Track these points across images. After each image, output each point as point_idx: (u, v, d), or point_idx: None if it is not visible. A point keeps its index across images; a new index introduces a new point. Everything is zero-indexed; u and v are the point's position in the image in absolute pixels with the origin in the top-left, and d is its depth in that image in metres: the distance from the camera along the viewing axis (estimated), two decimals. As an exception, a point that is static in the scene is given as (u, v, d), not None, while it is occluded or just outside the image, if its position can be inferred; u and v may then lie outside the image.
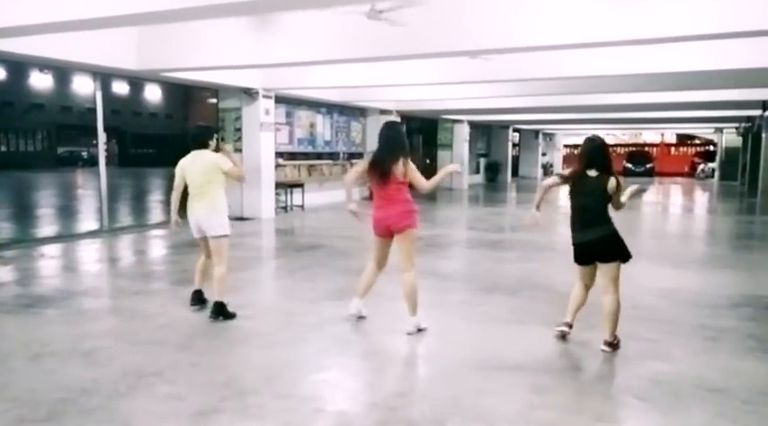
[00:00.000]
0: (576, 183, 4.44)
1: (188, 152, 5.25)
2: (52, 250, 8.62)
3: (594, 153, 4.42)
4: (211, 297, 5.22)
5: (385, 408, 3.46)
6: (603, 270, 4.41)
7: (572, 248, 4.54)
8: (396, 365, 4.35)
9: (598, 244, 4.38)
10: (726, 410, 3.46)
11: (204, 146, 5.22)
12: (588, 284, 4.57)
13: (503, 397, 3.62)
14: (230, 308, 5.16)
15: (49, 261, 7.99)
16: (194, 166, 5.14)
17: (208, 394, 3.61)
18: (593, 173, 4.38)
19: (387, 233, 4.83)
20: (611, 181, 4.32)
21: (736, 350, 4.48)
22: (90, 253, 8.60)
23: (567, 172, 4.56)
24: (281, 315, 5.33)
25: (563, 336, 4.60)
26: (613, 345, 4.41)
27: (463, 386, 3.78)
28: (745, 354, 4.40)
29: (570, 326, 4.61)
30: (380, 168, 4.73)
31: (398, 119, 17.02)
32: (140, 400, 3.54)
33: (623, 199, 4.45)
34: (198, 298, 5.41)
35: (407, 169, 4.70)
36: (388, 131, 4.89)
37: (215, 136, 5.40)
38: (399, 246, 4.80)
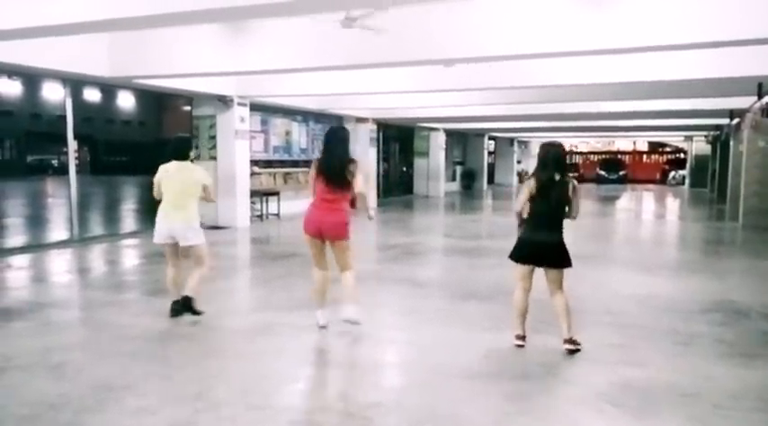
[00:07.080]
0: (544, 189, 4.43)
1: (164, 160, 5.34)
2: (20, 260, 8.42)
3: (560, 157, 4.50)
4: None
5: (360, 418, 3.43)
6: (552, 276, 4.50)
7: (519, 245, 4.55)
8: (371, 374, 4.31)
9: (553, 250, 4.46)
10: (697, 414, 3.51)
11: (186, 157, 5.39)
12: (528, 288, 4.60)
13: (478, 405, 3.62)
14: (206, 316, 5.26)
15: (16, 272, 7.80)
16: (177, 177, 5.25)
17: (180, 407, 3.54)
18: (557, 177, 4.44)
19: (317, 235, 4.88)
20: (571, 185, 4.43)
21: (708, 355, 4.54)
22: (59, 264, 8.42)
23: (533, 181, 4.47)
24: (257, 325, 5.27)
25: (522, 346, 4.58)
26: (575, 342, 4.46)
27: (439, 395, 3.77)
28: (716, 359, 4.47)
29: (525, 337, 4.61)
30: (334, 177, 4.77)
31: (374, 127, 17.08)
32: (110, 414, 3.45)
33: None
34: (176, 309, 5.36)
35: (356, 171, 4.77)
36: (336, 138, 4.90)
37: (194, 147, 5.50)
38: (333, 252, 4.91)
